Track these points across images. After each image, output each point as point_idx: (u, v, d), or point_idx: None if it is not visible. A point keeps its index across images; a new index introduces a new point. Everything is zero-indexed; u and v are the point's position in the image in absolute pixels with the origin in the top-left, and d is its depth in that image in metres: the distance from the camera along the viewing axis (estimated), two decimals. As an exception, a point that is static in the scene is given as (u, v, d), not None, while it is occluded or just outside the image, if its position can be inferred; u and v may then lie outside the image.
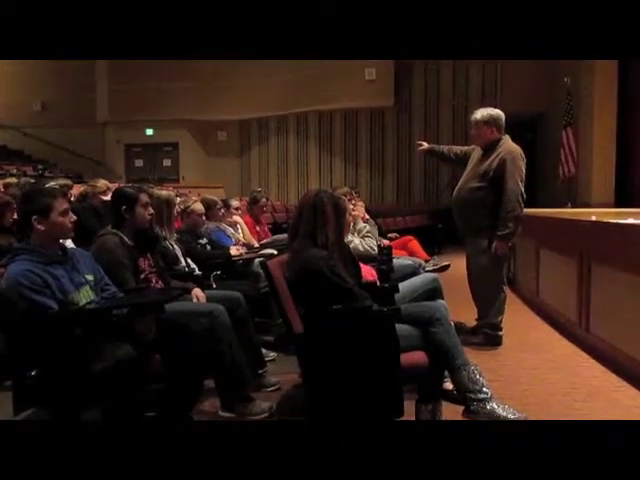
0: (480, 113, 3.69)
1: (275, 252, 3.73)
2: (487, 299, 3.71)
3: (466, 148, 3.97)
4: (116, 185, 4.69)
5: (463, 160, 3.89)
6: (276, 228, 6.11)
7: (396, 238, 5.95)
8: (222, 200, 4.71)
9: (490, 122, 3.66)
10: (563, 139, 8.52)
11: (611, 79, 8.72)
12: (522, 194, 3.56)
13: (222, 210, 4.41)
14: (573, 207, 7.77)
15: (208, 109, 13.13)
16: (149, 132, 13.89)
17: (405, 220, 9.86)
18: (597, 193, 8.81)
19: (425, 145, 4.03)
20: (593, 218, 4.02)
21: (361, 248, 3.89)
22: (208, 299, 2.85)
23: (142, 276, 2.63)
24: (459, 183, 3.80)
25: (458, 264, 4.73)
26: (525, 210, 3.68)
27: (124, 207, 2.64)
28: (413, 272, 3.72)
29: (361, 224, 4.18)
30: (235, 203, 4.93)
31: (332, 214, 2.31)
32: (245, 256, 3.93)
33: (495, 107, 3.80)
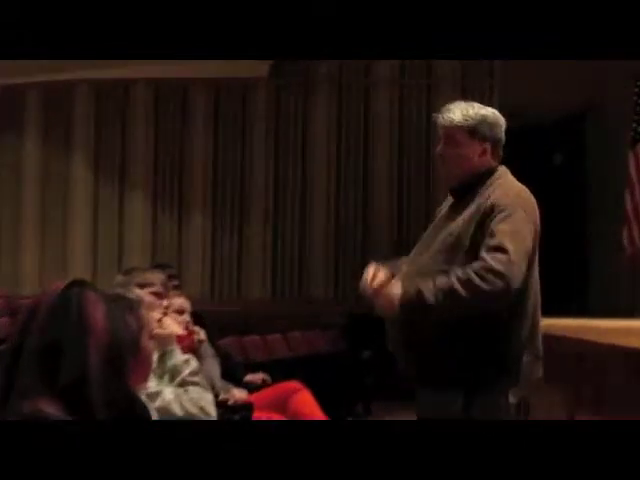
0: (459, 112, 3.99)
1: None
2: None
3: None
4: None
5: None
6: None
7: (265, 385, 6.42)
8: None
9: (480, 132, 3.95)
10: (630, 169, 9.16)
11: None
12: (526, 285, 3.79)
13: None
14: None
15: None
16: None
17: (288, 340, 10.31)
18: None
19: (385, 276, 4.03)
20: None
21: (178, 411, 4.14)
22: None
23: None
24: (404, 266, 4.07)
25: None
26: (545, 322, 4.00)
27: None
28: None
29: (179, 356, 4.45)
30: None
31: (105, 338, 2.24)
32: None
33: (490, 102, 3.95)
